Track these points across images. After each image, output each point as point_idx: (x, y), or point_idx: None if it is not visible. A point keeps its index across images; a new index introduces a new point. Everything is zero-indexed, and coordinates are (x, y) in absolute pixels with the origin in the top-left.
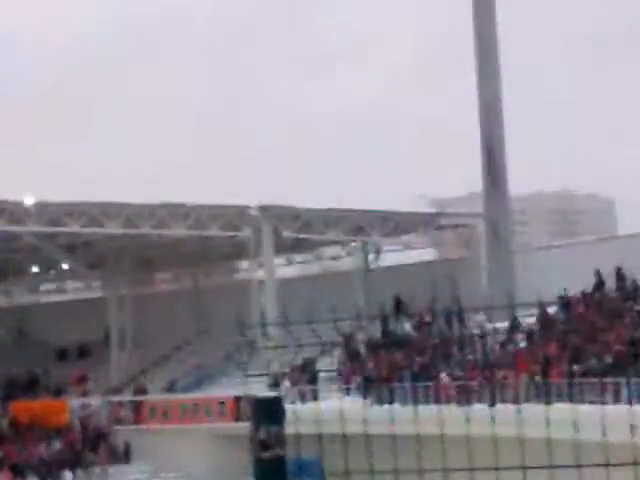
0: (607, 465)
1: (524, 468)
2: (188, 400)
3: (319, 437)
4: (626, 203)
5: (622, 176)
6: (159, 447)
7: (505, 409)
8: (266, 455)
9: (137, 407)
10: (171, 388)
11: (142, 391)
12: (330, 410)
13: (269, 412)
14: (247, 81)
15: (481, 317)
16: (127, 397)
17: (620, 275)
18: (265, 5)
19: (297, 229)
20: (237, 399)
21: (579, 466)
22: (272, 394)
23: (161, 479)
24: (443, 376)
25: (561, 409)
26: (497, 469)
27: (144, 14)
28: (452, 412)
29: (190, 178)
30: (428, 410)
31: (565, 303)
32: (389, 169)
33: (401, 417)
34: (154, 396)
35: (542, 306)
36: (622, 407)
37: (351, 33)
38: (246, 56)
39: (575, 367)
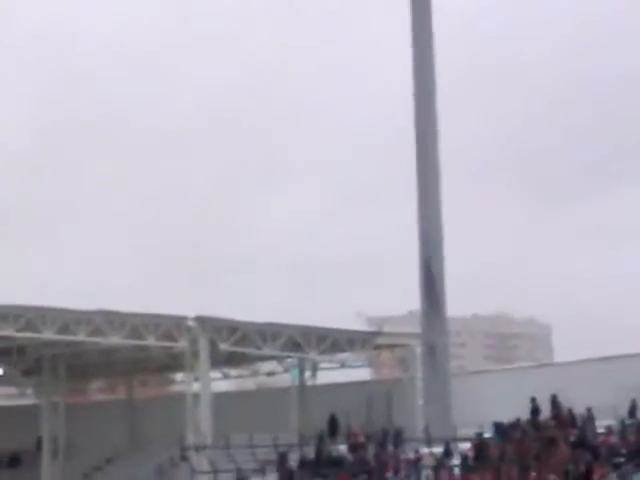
0: None
1: None
2: None
3: None
4: (563, 328)
5: (560, 301)
6: None
7: None
8: None
9: None
10: None
11: None
12: None
13: None
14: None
15: (415, 442)
16: None
17: (556, 403)
18: None
19: (234, 342)
20: None
21: None
22: None
23: None
24: None
25: None
26: None
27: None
28: None
29: (127, 285)
30: None
31: (500, 430)
32: (326, 285)
33: None
34: None
35: (477, 433)
36: None
37: (289, 156)
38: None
39: None
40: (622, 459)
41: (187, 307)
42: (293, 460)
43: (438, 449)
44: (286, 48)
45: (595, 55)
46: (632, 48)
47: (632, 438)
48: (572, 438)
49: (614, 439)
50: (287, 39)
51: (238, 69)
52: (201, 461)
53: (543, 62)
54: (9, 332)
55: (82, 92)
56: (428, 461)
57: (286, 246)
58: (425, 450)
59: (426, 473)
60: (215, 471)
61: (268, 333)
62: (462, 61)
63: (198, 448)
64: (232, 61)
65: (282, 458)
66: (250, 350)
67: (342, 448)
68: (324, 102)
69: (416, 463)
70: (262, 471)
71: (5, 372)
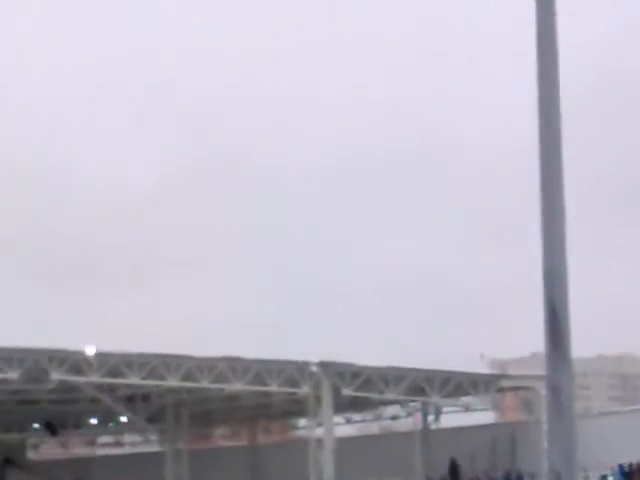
0: None
1: None
2: None
3: None
4: None
5: None
6: None
7: None
8: None
9: None
10: None
11: None
12: None
13: None
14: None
15: None
16: None
17: None
18: None
19: (357, 387)
20: None
21: None
22: None
23: None
24: None
25: None
26: None
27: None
28: None
29: (251, 334)
30: None
31: (626, 472)
32: (449, 327)
33: None
34: None
35: (602, 475)
36: None
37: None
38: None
39: None
40: None
41: (312, 350)
42: None
43: None
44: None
45: None
46: None
47: None
48: None
49: None
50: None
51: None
52: None
53: None
54: (134, 380)
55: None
56: None
57: (413, 285)
58: None
59: None
60: None
61: (391, 377)
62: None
63: None
64: None
65: None
66: (373, 394)
67: None
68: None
69: None
70: None
71: (130, 419)
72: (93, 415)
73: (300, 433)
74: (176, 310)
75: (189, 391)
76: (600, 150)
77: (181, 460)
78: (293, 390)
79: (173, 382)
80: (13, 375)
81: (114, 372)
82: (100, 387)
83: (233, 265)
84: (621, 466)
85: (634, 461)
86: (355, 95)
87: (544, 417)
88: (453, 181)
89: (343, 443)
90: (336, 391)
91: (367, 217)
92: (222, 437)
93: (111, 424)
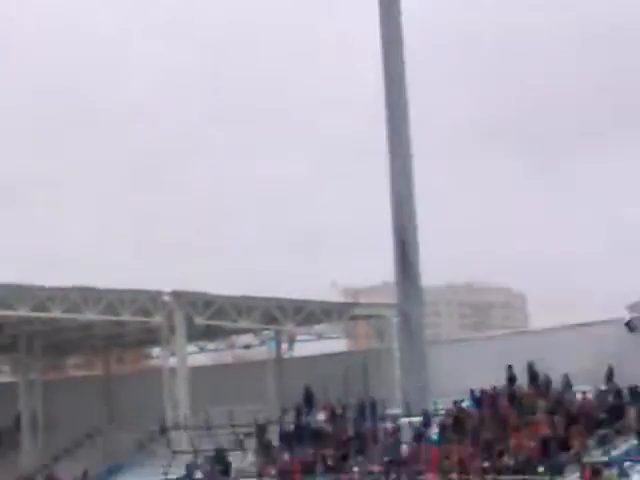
0: None
1: None
2: None
3: None
4: (538, 295)
5: (535, 271)
6: None
7: None
8: None
9: None
10: (84, 478)
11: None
12: None
13: None
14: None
15: (394, 410)
16: None
17: (532, 370)
18: None
19: (210, 316)
20: None
21: None
22: None
23: None
24: (356, 470)
25: None
26: None
27: None
28: None
29: (102, 259)
30: None
31: (477, 398)
32: (302, 256)
33: None
34: None
35: (455, 402)
36: None
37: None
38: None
39: (488, 465)
40: (600, 424)
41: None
42: (272, 432)
43: (416, 419)
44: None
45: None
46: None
47: (609, 403)
48: (549, 405)
49: (591, 405)
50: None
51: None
52: (180, 437)
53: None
54: None
55: None
56: (407, 432)
57: (264, 213)
58: (404, 420)
59: (405, 442)
60: (195, 451)
61: (244, 306)
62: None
63: (177, 426)
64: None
65: (261, 431)
66: (226, 323)
67: (321, 419)
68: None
69: (395, 434)
70: (241, 445)
71: None
72: None
73: (154, 362)
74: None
75: (42, 321)
76: (456, 92)
77: (34, 390)
78: (146, 319)
79: (23, 312)
80: None
81: None
82: None
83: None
84: (472, 391)
85: (485, 387)
86: None
87: (396, 344)
88: None
89: (197, 372)
90: (189, 320)
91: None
92: (75, 367)
93: None
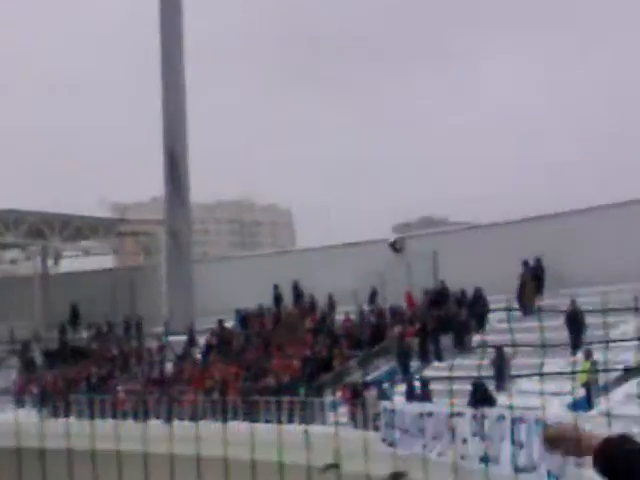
0: None
1: None
2: None
3: None
4: (304, 214)
5: (299, 187)
6: None
7: (181, 426)
8: None
9: None
10: None
11: None
12: (4, 423)
13: None
14: None
15: (160, 329)
16: None
17: (297, 289)
18: None
19: None
20: None
21: None
22: None
23: None
24: (120, 389)
25: (238, 427)
26: None
27: None
28: (129, 428)
29: None
30: (105, 425)
31: (242, 317)
32: (71, 172)
33: (77, 431)
34: None
35: (219, 321)
36: (298, 426)
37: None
38: None
39: (251, 385)
40: (362, 344)
41: None
42: (35, 350)
43: (182, 338)
44: None
45: None
46: None
47: (371, 324)
48: (313, 324)
49: (354, 325)
50: None
51: None
52: None
53: None
54: None
55: None
56: (171, 351)
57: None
58: (169, 339)
59: (169, 361)
60: None
61: (10, 220)
62: None
63: None
64: None
65: (24, 348)
66: None
67: (85, 337)
68: None
69: (159, 352)
70: (3, 361)
71: None
72: None
73: None
74: None
75: None
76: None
77: None
78: None
79: None
80: None
81: None
82: None
83: None
84: (238, 311)
85: (251, 306)
86: None
87: (163, 262)
88: None
89: None
90: None
91: None
92: None
93: None
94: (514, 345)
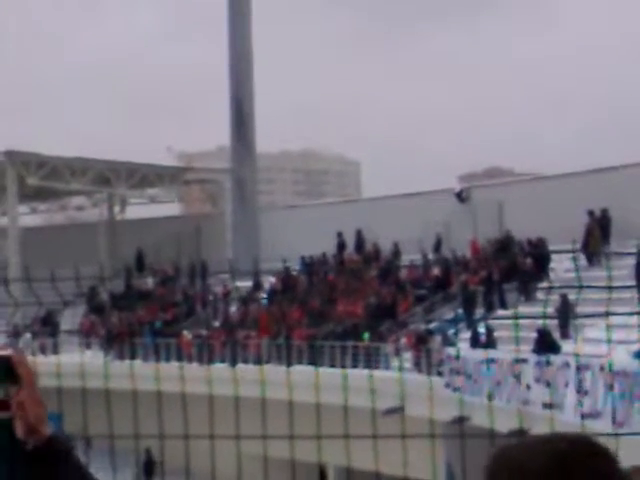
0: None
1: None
2: None
3: (59, 391)
4: (371, 164)
5: (368, 138)
6: None
7: (246, 369)
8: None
9: None
10: None
11: None
12: (70, 364)
13: (6, 371)
14: None
15: (225, 275)
16: None
17: (360, 238)
18: None
19: (42, 177)
20: None
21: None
22: (5, 353)
23: None
24: (185, 334)
25: (302, 371)
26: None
27: None
28: (194, 370)
29: None
30: (169, 367)
31: (307, 264)
32: (137, 119)
33: (142, 373)
34: None
35: (285, 267)
36: (362, 371)
37: None
38: None
39: (315, 330)
40: (426, 292)
41: None
42: (102, 293)
43: (247, 283)
44: None
45: None
46: None
47: (436, 272)
48: (377, 272)
49: (418, 273)
50: None
51: None
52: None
53: None
54: None
55: None
56: (236, 295)
57: (106, 71)
58: (234, 284)
59: (235, 306)
60: (17, 304)
61: (77, 167)
62: None
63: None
64: None
65: (92, 292)
66: (59, 185)
67: (150, 282)
68: None
69: (225, 297)
70: (68, 304)
71: None
72: None
73: None
74: None
75: None
76: None
77: None
78: None
79: None
80: None
81: None
82: None
83: None
84: (303, 258)
85: (316, 254)
86: None
87: (229, 209)
88: None
89: (28, 233)
90: (21, 180)
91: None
92: None
93: None
94: (579, 290)
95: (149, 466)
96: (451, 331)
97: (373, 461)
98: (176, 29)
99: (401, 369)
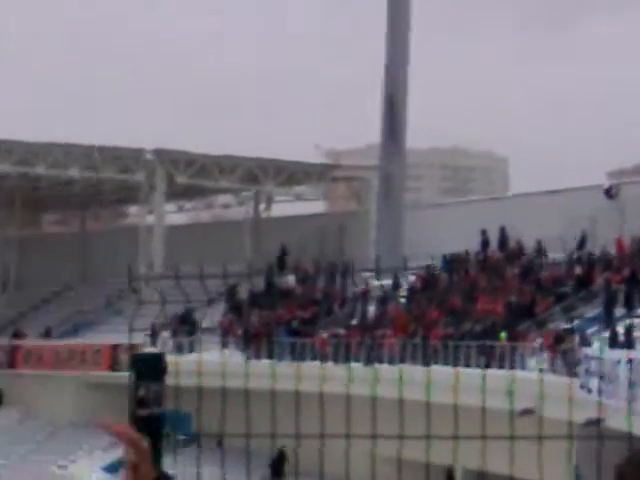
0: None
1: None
2: (62, 346)
3: (198, 390)
4: (519, 161)
5: (517, 135)
6: (31, 393)
7: (383, 369)
8: (143, 413)
9: (12, 351)
10: (48, 333)
11: (20, 335)
12: (209, 363)
13: (150, 369)
14: None
15: (367, 274)
16: (2, 341)
17: (504, 235)
18: None
19: (191, 175)
20: (114, 348)
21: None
22: (154, 350)
23: (25, 427)
24: (322, 332)
25: (439, 371)
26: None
27: None
28: (330, 370)
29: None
30: (307, 367)
31: (449, 261)
32: (285, 117)
33: (280, 372)
34: (29, 341)
35: (427, 265)
36: (500, 371)
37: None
38: None
39: (452, 330)
40: (567, 291)
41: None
42: (243, 292)
43: (387, 281)
44: None
45: None
46: None
47: (578, 270)
48: (519, 270)
49: (560, 271)
50: None
51: None
52: (150, 292)
53: None
54: None
55: None
56: (376, 293)
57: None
58: (374, 282)
59: (373, 305)
60: (163, 302)
61: (225, 165)
62: None
63: (147, 279)
64: None
65: (231, 290)
66: (207, 183)
67: (291, 280)
68: None
69: (364, 295)
70: (212, 302)
71: None
72: None
73: (130, 221)
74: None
75: (21, 177)
76: None
77: (9, 246)
78: (127, 177)
79: (5, 167)
80: None
81: None
82: None
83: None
84: (445, 256)
85: (457, 251)
86: None
87: (374, 207)
88: None
89: (174, 231)
90: (170, 179)
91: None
92: (53, 223)
93: None
94: None
95: (280, 466)
96: (590, 330)
97: (502, 463)
98: (329, 29)
99: (541, 370)
